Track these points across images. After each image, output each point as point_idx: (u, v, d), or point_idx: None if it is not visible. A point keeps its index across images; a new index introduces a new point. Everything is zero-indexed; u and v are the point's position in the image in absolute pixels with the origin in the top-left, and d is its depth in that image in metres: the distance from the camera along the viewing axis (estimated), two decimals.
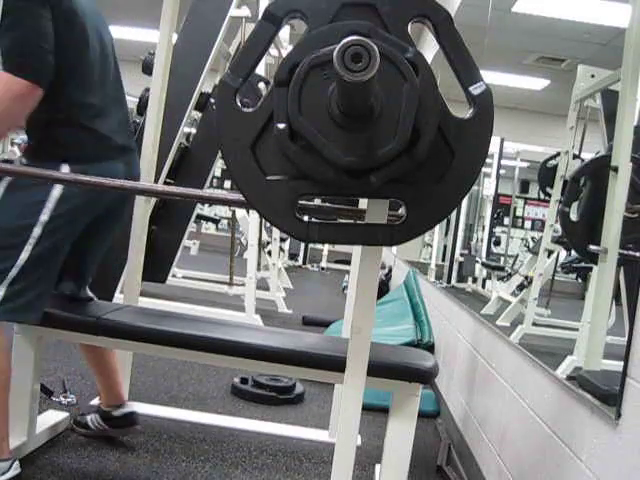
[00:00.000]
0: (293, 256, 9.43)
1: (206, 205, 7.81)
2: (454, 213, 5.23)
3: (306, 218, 1.16)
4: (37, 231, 1.57)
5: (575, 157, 2.97)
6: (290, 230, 1.07)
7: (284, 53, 4.32)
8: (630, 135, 1.67)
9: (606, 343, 1.60)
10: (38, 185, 1.59)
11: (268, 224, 1.64)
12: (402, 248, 6.15)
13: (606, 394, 1.23)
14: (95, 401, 1.69)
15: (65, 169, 1.60)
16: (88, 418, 2.03)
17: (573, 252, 2.96)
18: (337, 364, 1.38)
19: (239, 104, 1.03)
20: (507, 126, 4.77)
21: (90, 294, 1.94)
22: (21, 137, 8.50)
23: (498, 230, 5.93)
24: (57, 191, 1.59)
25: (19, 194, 1.60)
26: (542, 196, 3.87)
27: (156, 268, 4.41)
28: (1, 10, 1.53)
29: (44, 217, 1.58)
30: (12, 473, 1.62)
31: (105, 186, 1.38)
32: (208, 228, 9.84)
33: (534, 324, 2.86)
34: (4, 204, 1.60)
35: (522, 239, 5.70)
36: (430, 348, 3.22)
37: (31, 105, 1.51)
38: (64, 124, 1.63)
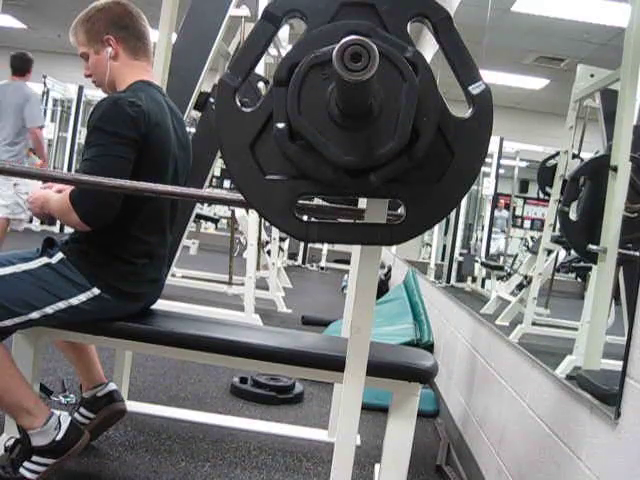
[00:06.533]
0: (292, 255, 9.42)
1: (205, 204, 7.80)
2: (453, 212, 5.23)
3: (305, 218, 1.17)
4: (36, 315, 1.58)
5: (574, 156, 2.97)
6: (289, 230, 1.07)
7: (283, 53, 4.32)
8: (629, 135, 1.67)
9: (605, 343, 1.60)
10: (73, 284, 1.60)
11: (267, 223, 1.63)
12: (401, 247, 6.15)
13: (605, 394, 1.24)
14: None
15: (94, 292, 1.62)
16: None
17: (572, 252, 2.97)
18: (336, 364, 1.38)
19: (238, 104, 1.03)
20: (506, 125, 4.78)
21: None
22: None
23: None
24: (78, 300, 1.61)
25: (50, 275, 1.61)
26: (541, 196, 3.87)
27: None
28: (87, 133, 1.59)
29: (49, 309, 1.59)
30: (65, 424, 1.64)
31: (104, 186, 1.37)
32: (207, 227, 9.83)
33: (533, 323, 2.86)
34: (29, 277, 1.60)
35: (521, 239, 5.70)
36: (429, 347, 3.21)
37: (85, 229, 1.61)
38: (113, 251, 1.66)
